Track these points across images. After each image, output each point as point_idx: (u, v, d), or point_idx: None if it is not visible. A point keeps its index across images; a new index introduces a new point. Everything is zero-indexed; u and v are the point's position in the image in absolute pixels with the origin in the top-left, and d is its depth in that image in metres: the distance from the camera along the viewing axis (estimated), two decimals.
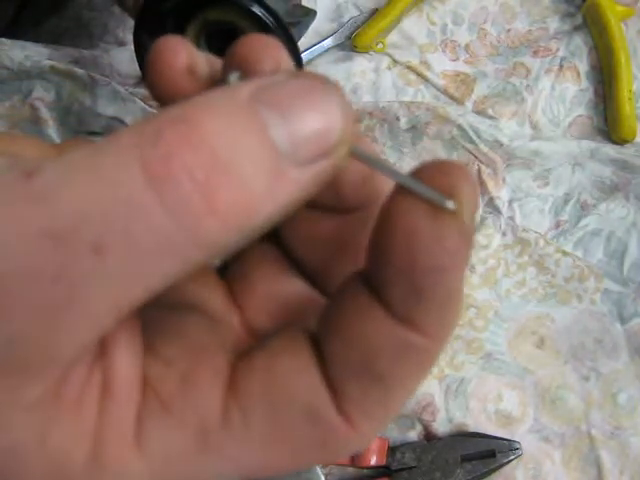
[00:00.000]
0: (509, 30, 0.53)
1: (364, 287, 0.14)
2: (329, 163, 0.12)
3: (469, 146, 0.47)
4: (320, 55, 0.51)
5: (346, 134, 0.12)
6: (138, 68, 0.44)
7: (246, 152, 0.11)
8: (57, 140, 0.45)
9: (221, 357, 0.15)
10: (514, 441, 0.42)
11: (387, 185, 0.14)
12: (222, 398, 0.14)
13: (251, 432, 0.14)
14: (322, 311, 0.15)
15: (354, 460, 0.42)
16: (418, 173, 0.13)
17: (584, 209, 0.47)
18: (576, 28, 0.52)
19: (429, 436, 0.43)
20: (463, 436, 0.42)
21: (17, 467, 0.13)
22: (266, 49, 0.14)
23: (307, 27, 0.42)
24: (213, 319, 0.16)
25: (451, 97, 0.51)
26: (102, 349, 0.14)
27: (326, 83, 0.12)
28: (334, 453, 0.14)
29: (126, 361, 0.14)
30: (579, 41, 0.51)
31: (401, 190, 0.13)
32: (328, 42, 0.51)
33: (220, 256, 0.13)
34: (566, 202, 0.47)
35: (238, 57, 0.15)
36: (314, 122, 0.12)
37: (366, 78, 0.50)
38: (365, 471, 0.43)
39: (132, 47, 0.42)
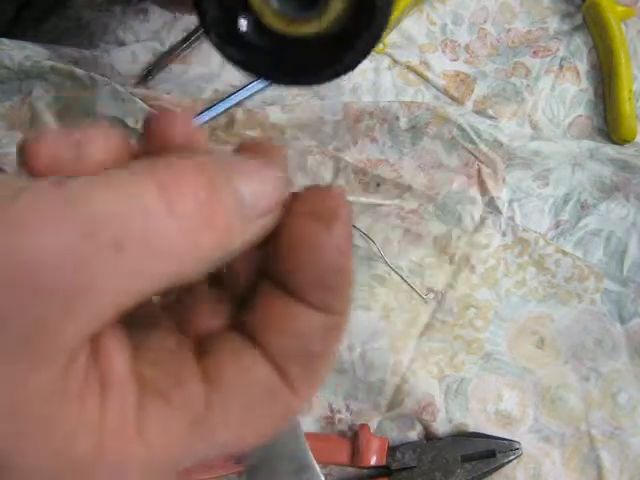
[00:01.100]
0: (509, 30, 0.53)
1: (280, 291, 0.17)
2: (273, 216, 0.17)
3: (469, 146, 0.47)
4: None
5: (282, 198, 0.17)
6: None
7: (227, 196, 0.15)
8: None
9: (191, 357, 0.17)
10: (514, 441, 0.42)
11: None
12: (205, 391, 0.16)
13: (230, 415, 0.17)
14: (249, 317, 0.18)
15: (354, 460, 0.42)
16: (302, 196, 0.17)
17: (584, 209, 0.47)
18: (576, 28, 0.52)
19: (429, 436, 0.43)
20: (463, 436, 0.42)
21: (21, 455, 0.13)
22: (176, 126, 0.17)
23: None
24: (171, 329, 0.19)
25: (451, 97, 0.51)
26: (96, 347, 0.15)
27: (268, 163, 0.17)
28: (287, 419, 0.18)
29: (119, 358, 0.15)
30: (579, 41, 0.51)
31: (299, 208, 0.17)
32: None
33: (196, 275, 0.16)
34: (566, 202, 0.47)
35: (151, 133, 0.17)
36: (267, 190, 0.16)
37: (366, 78, 0.50)
38: (365, 471, 0.43)
39: (132, 47, 0.42)
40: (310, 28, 0.22)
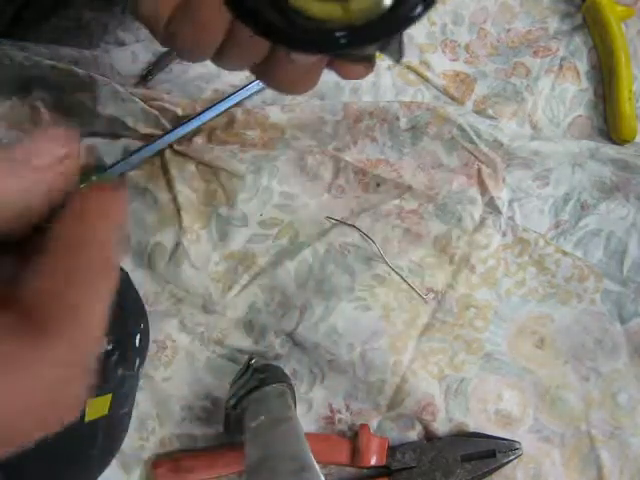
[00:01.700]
0: (509, 30, 0.53)
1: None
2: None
3: (469, 146, 0.47)
4: None
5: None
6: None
7: None
8: None
9: None
10: (514, 441, 0.42)
11: None
12: None
13: None
14: None
15: (354, 460, 0.42)
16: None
17: (584, 209, 0.47)
18: (576, 28, 0.52)
19: (429, 436, 0.43)
20: (463, 436, 0.42)
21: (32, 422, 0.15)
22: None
23: None
24: None
25: (451, 97, 0.51)
26: None
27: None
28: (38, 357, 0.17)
29: None
30: (579, 41, 0.51)
31: None
32: None
33: None
34: (566, 202, 0.47)
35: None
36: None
37: (366, 78, 0.50)
38: (365, 471, 0.43)
39: (132, 47, 0.42)
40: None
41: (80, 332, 0.16)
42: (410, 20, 0.19)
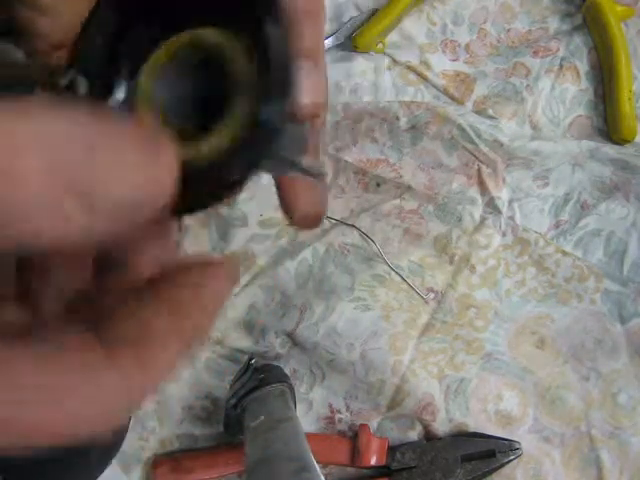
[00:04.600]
0: (509, 30, 0.53)
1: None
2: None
3: (469, 146, 0.47)
4: None
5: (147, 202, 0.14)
6: None
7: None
8: None
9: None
10: (514, 441, 0.42)
11: None
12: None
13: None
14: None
15: (354, 460, 0.42)
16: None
17: (584, 209, 0.47)
18: (576, 28, 0.52)
19: (429, 436, 0.43)
20: (463, 436, 0.42)
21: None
22: None
23: None
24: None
25: (451, 97, 0.51)
26: None
27: None
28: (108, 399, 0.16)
29: None
30: (579, 41, 0.51)
31: None
32: (328, 42, 0.51)
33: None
34: (566, 202, 0.47)
35: None
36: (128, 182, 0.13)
37: (366, 78, 0.50)
38: (365, 471, 0.43)
39: None
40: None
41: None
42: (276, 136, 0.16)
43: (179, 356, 0.16)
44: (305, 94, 0.19)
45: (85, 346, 0.15)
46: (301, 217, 0.21)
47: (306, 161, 0.21)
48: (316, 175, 0.22)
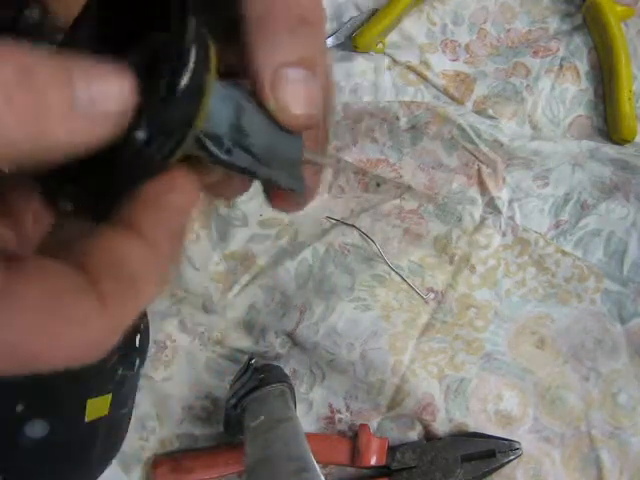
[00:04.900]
0: (509, 30, 0.53)
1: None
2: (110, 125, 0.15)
3: (469, 146, 0.47)
4: None
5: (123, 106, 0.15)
6: None
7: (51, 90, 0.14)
8: None
9: None
10: (514, 441, 0.42)
11: None
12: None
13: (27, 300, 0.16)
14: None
15: (354, 460, 0.42)
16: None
17: (584, 209, 0.47)
18: (576, 28, 0.52)
19: (429, 436, 0.43)
20: (463, 436, 0.42)
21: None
22: None
23: None
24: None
25: (451, 97, 0.51)
26: None
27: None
28: (88, 337, 0.17)
29: None
30: (579, 41, 0.51)
31: None
32: (328, 42, 0.51)
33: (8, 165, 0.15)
34: (566, 202, 0.47)
35: None
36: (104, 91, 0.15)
37: (366, 78, 0.50)
38: (365, 471, 0.43)
39: None
40: None
41: (132, 314, 0.17)
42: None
43: (156, 282, 0.17)
44: (297, 105, 0.18)
45: (66, 273, 0.16)
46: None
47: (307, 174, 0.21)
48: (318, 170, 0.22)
